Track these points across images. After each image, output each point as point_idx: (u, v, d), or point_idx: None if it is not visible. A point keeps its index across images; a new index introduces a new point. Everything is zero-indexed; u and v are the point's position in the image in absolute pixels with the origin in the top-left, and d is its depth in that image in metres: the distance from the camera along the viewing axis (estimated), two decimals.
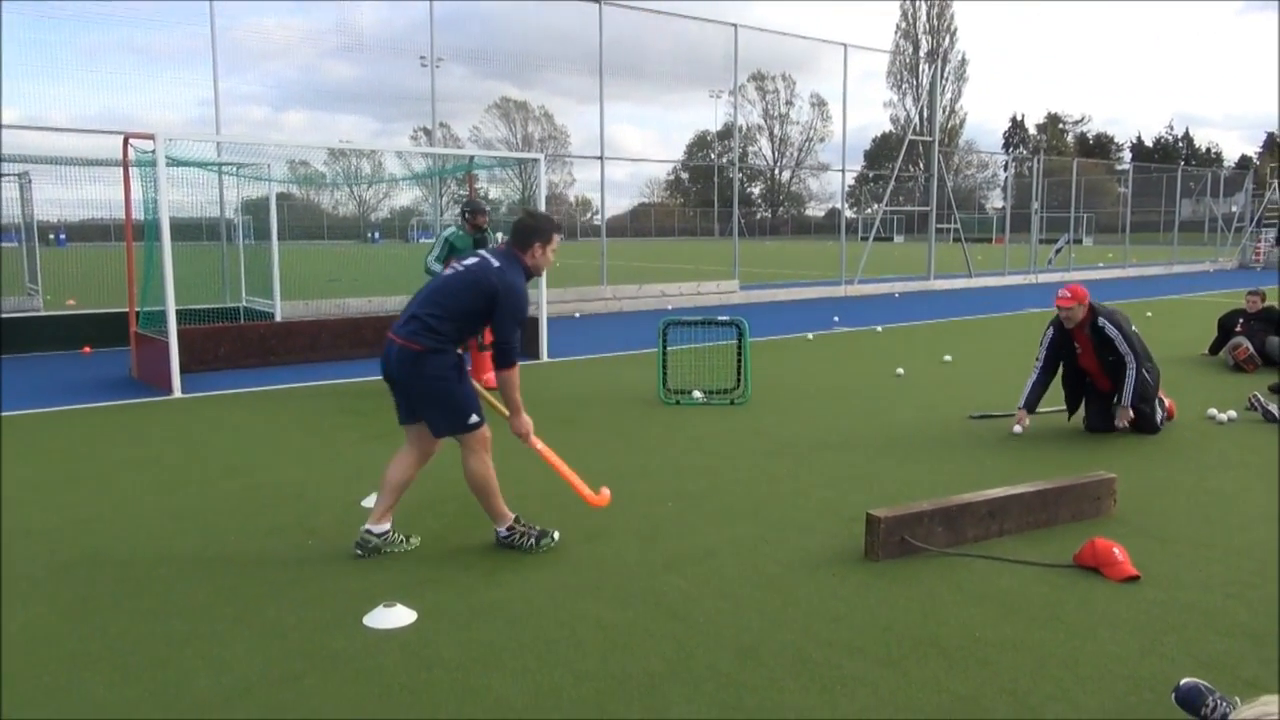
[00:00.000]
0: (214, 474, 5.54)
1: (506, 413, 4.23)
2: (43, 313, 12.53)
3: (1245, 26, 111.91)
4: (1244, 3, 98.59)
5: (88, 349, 11.14)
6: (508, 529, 4.18)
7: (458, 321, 4.02)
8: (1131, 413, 6.39)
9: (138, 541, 4.34)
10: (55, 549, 4.23)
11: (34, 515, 4.73)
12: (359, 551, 4.11)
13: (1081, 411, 6.73)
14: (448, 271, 4.15)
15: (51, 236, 21.10)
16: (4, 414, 7.28)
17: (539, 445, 4.31)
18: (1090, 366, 6.55)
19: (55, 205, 14.45)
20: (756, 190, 76.86)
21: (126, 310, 9.53)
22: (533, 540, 4.18)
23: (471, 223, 8.05)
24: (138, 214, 9.50)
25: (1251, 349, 9.24)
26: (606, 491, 4.50)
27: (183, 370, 8.35)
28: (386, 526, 4.17)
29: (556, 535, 4.25)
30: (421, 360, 3.97)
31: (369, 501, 4.88)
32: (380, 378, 4.22)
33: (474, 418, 4.08)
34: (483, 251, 4.20)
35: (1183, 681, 2.79)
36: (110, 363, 10.06)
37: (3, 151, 11.22)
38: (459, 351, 4.13)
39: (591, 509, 4.52)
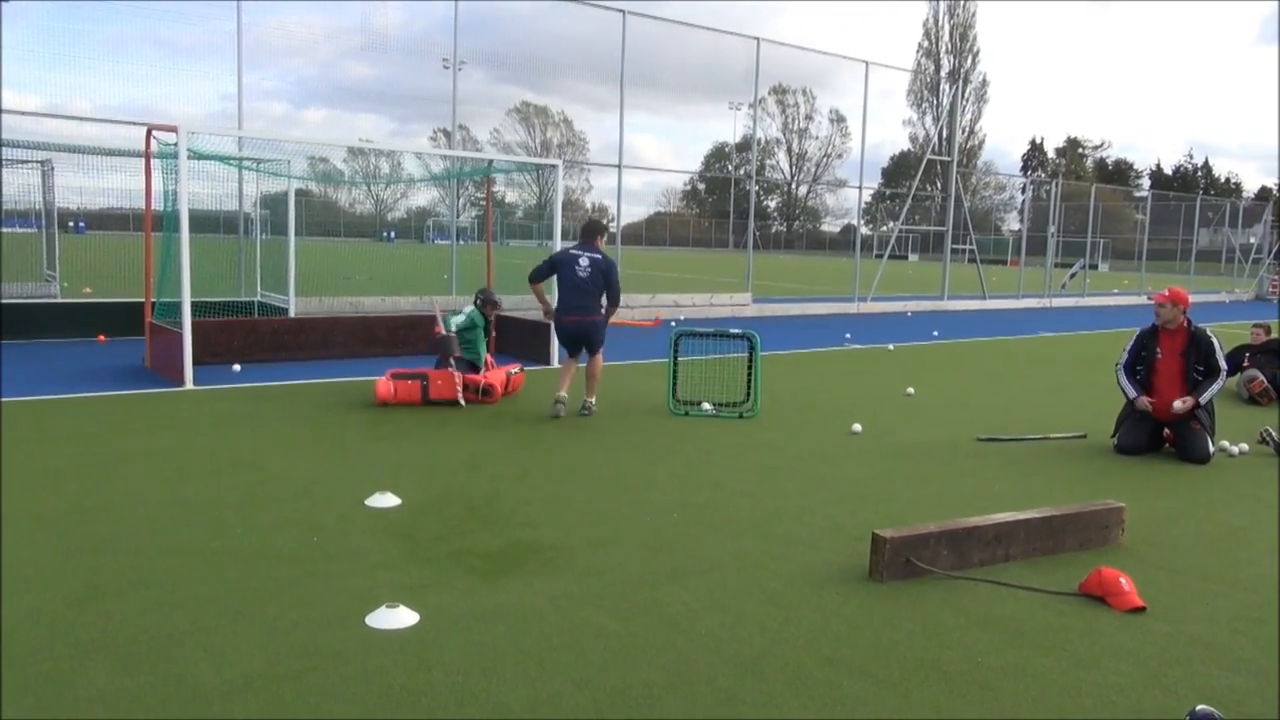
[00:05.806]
0: (222, 467, 5.57)
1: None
2: (59, 299, 12.63)
3: (1259, 59, 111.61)
4: (1267, 10, 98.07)
5: (103, 337, 11.23)
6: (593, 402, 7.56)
7: (600, 296, 7.49)
8: (1193, 402, 6.62)
9: (144, 531, 4.36)
10: (63, 535, 4.26)
11: (43, 501, 4.76)
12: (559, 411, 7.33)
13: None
14: (582, 274, 7.34)
15: (71, 224, 21.27)
16: (17, 399, 7.33)
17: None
18: (1168, 370, 6.81)
19: (76, 193, 14.56)
20: (772, 204, 76.92)
21: (142, 300, 9.60)
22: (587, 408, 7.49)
23: (483, 310, 8.44)
24: (157, 205, 9.58)
25: (1267, 383, 9.18)
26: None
27: (195, 362, 8.40)
28: (564, 393, 7.44)
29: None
30: (604, 321, 7.58)
31: (374, 501, 4.90)
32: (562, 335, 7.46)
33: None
34: (575, 251, 7.47)
35: (1198, 708, 2.77)
36: (124, 352, 10.12)
37: (2, 138, 11.28)
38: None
39: (594, 523, 4.51)
